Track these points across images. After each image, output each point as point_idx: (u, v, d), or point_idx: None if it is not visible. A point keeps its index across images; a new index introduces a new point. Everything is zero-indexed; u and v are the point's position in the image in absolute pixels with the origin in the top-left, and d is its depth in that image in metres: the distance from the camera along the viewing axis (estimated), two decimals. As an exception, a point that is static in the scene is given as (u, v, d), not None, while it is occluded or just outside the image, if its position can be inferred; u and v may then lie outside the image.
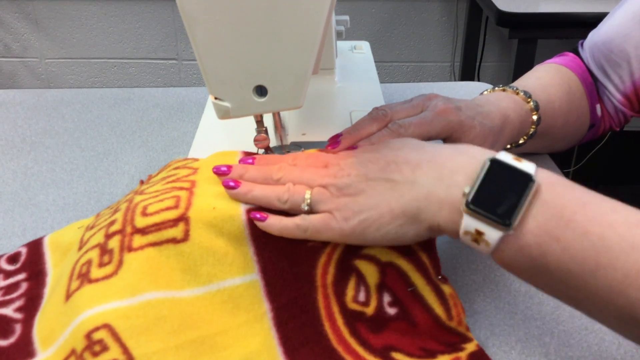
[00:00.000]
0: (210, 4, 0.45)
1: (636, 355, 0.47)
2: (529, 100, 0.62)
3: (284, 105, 0.51)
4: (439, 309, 0.47)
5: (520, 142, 0.63)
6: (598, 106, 0.70)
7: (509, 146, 0.64)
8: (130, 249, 0.46)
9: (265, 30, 0.46)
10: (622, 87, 0.67)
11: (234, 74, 0.48)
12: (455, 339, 0.47)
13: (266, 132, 0.54)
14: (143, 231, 0.47)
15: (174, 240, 0.47)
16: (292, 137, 0.63)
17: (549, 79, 0.68)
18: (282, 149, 0.57)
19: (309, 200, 0.47)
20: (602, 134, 0.73)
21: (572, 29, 1.47)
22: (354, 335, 0.46)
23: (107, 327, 0.43)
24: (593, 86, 0.69)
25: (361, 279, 0.48)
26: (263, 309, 0.47)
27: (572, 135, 0.70)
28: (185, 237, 0.47)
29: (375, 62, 0.83)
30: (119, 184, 0.69)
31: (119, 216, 0.49)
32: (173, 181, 0.51)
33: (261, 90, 0.49)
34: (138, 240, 0.47)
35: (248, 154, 0.53)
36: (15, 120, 0.83)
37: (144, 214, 0.48)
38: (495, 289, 0.54)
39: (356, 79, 0.78)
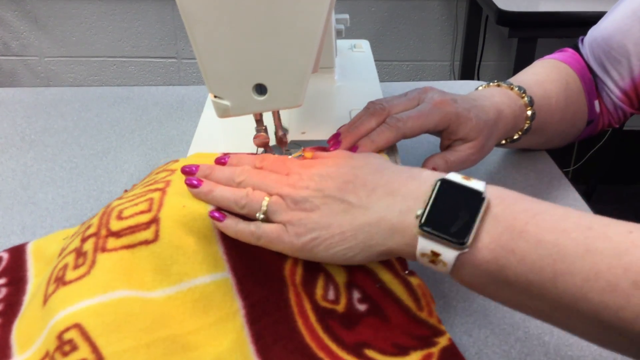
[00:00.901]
0: (209, 3, 0.45)
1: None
2: (524, 95, 0.62)
3: (284, 104, 0.50)
4: (408, 300, 0.47)
5: (515, 137, 0.63)
6: (597, 102, 0.69)
7: (504, 141, 0.64)
8: (104, 250, 0.46)
9: (265, 29, 0.46)
10: (621, 84, 0.67)
11: (233, 72, 0.48)
12: (427, 332, 0.46)
13: (266, 130, 0.54)
14: (117, 234, 0.47)
15: (145, 242, 0.47)
16: (292, 135, 0.63)
17: (546, 74, 0.68)
18: (282, 147, 0.57)
19: (265, 209, 0.46)
20: (600, 130, 0.73)
21: (572, 28, 1.46)
22: (327, 331, 0.46)
23: (77, 326, 0.43)
24: (592, 82, 0.69)
25: (329, 278, 0.48)
26: (235, 306, 0.47)
27: (569, 131, 0.70)
28: (156, 238, 0.47)
29: (375, 60, 0.83)
30: (118, 183, 0.69)
31: (95, 220, 0.49)
32: (150, 184, 0.51)
33: (261, 89, 0.49)
34: (112, 242, 0.47)
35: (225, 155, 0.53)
36: (14, 118, 0.83)
37: (119, 217, 0.48)
38: (494, 288, 0.54)
39: (356, 77, 0.78)
